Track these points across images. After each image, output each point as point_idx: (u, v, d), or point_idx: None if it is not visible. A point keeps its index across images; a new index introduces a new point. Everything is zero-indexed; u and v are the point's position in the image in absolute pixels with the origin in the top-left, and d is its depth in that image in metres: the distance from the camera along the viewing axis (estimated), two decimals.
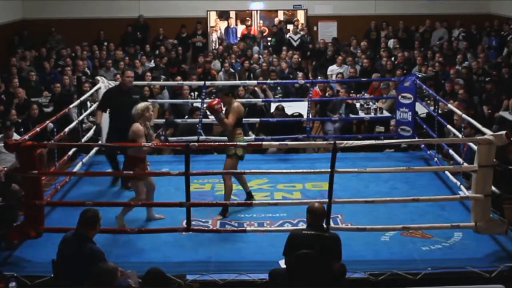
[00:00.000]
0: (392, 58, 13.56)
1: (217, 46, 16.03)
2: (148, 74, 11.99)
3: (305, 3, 16.95)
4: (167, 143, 8.64)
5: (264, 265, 5.65)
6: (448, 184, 7.85)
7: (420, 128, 9.34)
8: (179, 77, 11.77)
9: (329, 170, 6.05)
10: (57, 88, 11.23)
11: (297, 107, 10.35)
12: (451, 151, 8.03)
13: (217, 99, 7.23)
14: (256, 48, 15.44)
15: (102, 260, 4.82)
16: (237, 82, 10.53)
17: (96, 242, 5.08)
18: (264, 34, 16.30)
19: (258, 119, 10.00)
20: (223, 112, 7.07)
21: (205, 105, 7.49)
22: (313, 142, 9.84)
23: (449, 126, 8.34)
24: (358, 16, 16.60)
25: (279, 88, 11.58)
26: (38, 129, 7.00)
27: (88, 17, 16.32)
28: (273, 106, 10.61)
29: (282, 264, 5.38)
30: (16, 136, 8.06)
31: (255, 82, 11.21)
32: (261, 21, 17.45)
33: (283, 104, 10.31)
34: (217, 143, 8.41)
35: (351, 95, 11.29)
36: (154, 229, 6.42)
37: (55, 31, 15.87)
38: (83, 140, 8.80)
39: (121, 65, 13.02)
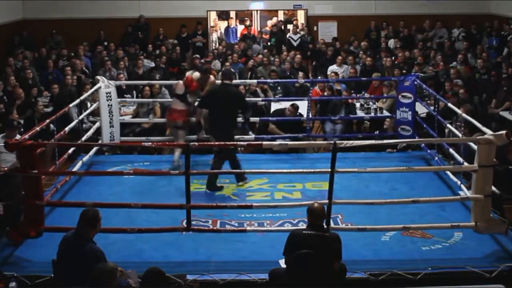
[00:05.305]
0: (393, 58, 13.55)
1: (217, 46, 16.02)
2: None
3: (305, 3, 16.94)
4: (167, 143, 8.63)
5: (264, 265, 5.66)
6: (448, 184, 7.85)
7: (420, 128, 9.34)
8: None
9: (329, 170, 6.05)
10: (55, 89, 11.24)
11: None
12: (451, 151, 8.03)
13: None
14: (257, 46, 15.42)
15: (103, 260, 4.82)
16: (237, 81, 10.53)
17: (96, 242, 5.08)
18: (265, 37, 16.28)
19: (257, 119, 9.98)
20: None
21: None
22: (313, 142, 9.83)
23: (449, 125, 8.34)
24: (358, 16, 16.60)
25: (279, 87, 11.58)
26: (38, 128, 7.00)
27: (88, 17, 16.30)
28: (273, 106, 10.61)
29: (282, 264, 5.38)
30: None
31: (255, 81, 11.20)
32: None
33: (283, 103, 10.31)
34: (217, 143, 8.40)
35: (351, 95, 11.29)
36: (154, 229, 6.41)
37: (56, 33, 15.85)
38: (83, 139, 8.79)
39: (121, 65, 13.01)
